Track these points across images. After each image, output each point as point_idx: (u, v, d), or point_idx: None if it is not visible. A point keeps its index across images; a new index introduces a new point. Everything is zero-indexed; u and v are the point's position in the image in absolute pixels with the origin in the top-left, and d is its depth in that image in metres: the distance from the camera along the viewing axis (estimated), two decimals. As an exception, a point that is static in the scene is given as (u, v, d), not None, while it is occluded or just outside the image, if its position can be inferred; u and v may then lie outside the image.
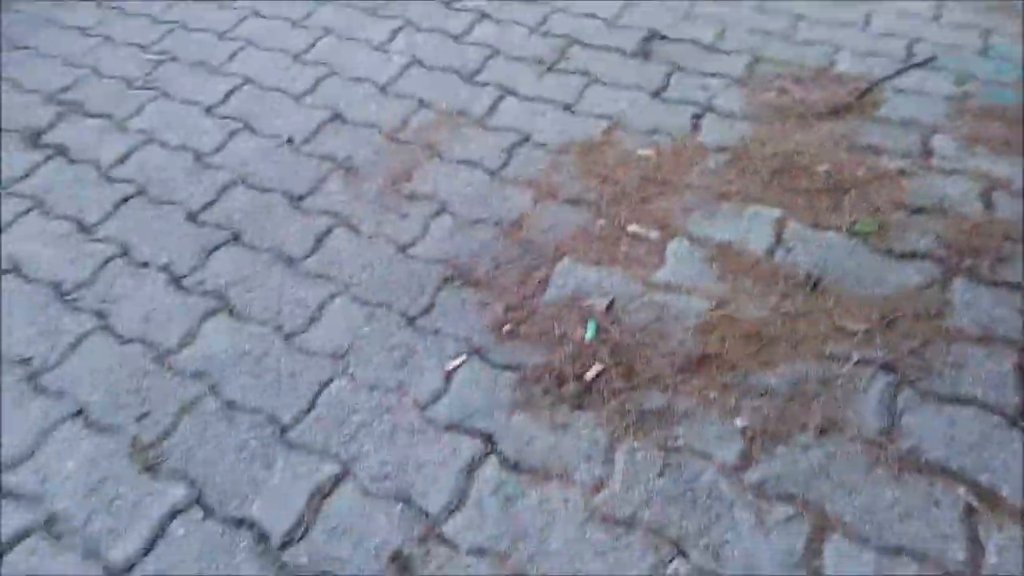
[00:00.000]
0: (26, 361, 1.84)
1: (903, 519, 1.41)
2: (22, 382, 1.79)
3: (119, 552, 1.45)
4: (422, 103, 2.63)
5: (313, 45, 2.99)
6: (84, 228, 2.22)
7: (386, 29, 3.05)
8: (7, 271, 2.10)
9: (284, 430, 1.65)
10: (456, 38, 2.96)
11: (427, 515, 1.49)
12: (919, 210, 2.01)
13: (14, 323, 1.95)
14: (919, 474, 1.47)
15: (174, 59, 2.99)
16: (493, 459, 1.57)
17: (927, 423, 1.55)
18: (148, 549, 1.45)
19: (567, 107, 2.55)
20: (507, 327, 1.84)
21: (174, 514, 1.51)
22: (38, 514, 1.52)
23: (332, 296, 1.96)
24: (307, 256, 2.09)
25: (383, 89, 2.71)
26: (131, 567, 1.43)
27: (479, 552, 1.43)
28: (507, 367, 1.75)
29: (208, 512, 1.51)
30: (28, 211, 2.30)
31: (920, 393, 1.60)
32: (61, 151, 2.54)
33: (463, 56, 2.85)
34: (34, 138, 2.62)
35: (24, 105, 2.79)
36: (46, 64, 3.03)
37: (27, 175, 2.45)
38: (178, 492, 1.54)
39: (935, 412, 1.56)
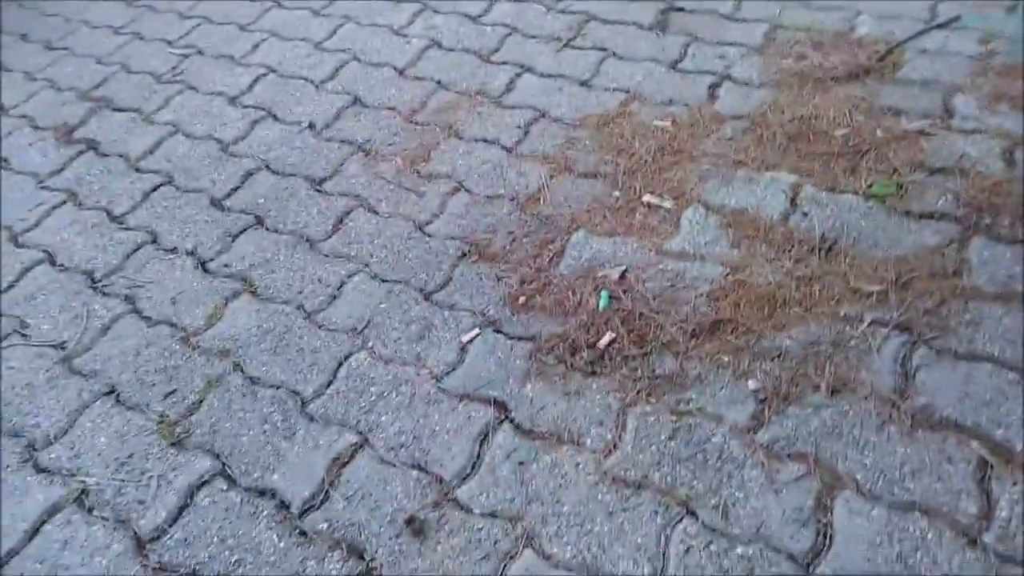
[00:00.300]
0: (60, 345, 1.92)
1: (915, 475, 1.40)
2: (57, 365, 1.87)
3: (148, 522, 1.52)
4: (440, 84, 2.65)
5: (334, 32, 3.04)
6: (114, 217, 2.31)
7: (405, 14, 3.07)
8: (42, 261, 2.19)
9: (305, 403, 1.70)
10: (474, 19, 2.98)
11: (441, 481, 1.52)
12: (938, 170, 1.97)
13: (49, 310, 2.03)
14: (932, 431, 1.46)
15: (200, 52, 3.06)
16: (506, 426, 1.60)
17: (941, 380, 1.53)
18: (175, 518, 1.52)
19: (584, 82, 2.55)
20: (522, 299, 1.86)
21: (200, 485, 1.57)
22: (71, 488, 1.60)
23: (351, 274, 2.00)
24: (328, 237, 2.13)
25: (402, 72, 2.75)
26: (159, 536, 1.49)
27: (492, 515, 1.46)
28: (521, 338, 1.78)
29: (232, 483, 1.56)
30: (62, 203, 2.39)
31: (935, 351, 1.58)
32: (92, 145, 2.63)
33: (481, 37, 2.86)
34: (67, 134, 2.71)
35: (59, 103, 2.89)
36: (79, 63, 3.13)
37: (61, 169, 2.54)
38: (204, 464, 1.60)
39: (950, 369, 1.55)
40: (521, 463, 1.53)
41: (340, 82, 2.75)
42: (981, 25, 2.46)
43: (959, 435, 1.45)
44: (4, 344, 1.95)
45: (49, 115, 2.82)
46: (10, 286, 2.12)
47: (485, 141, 2.37)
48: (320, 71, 2.82)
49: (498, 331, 1.80)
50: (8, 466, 1.66)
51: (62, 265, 2.17)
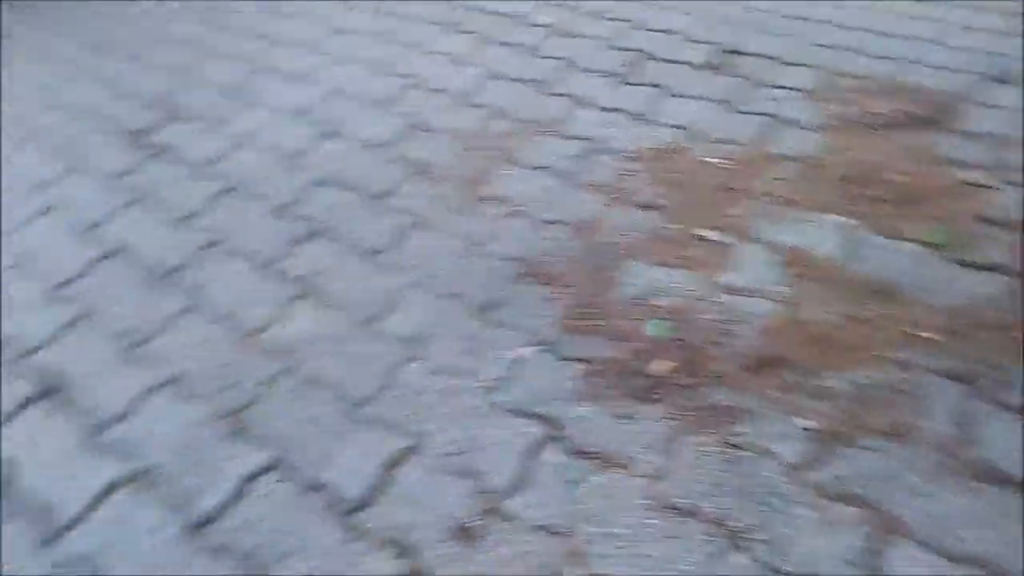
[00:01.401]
0: (126, 334, 1.98)
1: (970, 526, 1.39)
2: (122, 352, 1.93)
3: (202, 507, 1.55)
4: (498, 112, 2.72)
5: (396, 58, 3.14)
6: (182, 219, 2.38)
7: (464, 44, 3.17)
8: (114, 254, 2.27)
9: (358, 406, 1.74)
10: (531, 51, 3.07)
11: (491, 492, 1.54)
12: (994, 222, 1.98)
13: (117, 301, 2.10)
14: (989, 483, 1.45)
15: (268, 70, 3.17)
16: (557, 444, 1.62)
17: (999, 434, 1.52)
18: (229, 506, 1.55)
19: (639, 117, 2.60)
20: (575, 322, 1.89)
21: (255, 475, 1.60)
22: (129, 469, 1.64)
23: (408, 287, 2.05)
24: (386, 250, 2.19)
25: (461, 99, 2.83)
26: (212, 520, 1.52)
27: (541, 529, 1.47)
28: (573, 359, 1.80)
29: (286, 475, 1.60)
30: (132, 203, 2.48)
31: (992, 403, 1.58)
32: (162, 150, 2.73)
33: (538, 69, 2.95)
34: (138, 138, 2.82)
35: (131, 109, 3.01)
36: (153, 72, 3.26)
37: (131, 171, 2.64)
38: (259, 456, 1.64)
39: (1007, 423, 1.54)
40: (570, 481, 1.55)
41: (401, 105, 2.83)
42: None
43: (1016, 490, 1.44)
44: (77, 326, 2.02)
45: (121, 119, 2.94)
46: (80, 275, 2.20)
47: (542, 169, 2.43)
48: (383, 93, 2.91)
49: (551, 351, 1.83)
50: (72, 443, 1.71)
51: (131, 261, 2.24)
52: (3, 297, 2.17)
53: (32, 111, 3.09)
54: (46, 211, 2.50)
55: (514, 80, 2.89)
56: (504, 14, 3.41)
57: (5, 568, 1.48)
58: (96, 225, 2.41)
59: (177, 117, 2.92)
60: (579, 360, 1.80)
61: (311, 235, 2.27)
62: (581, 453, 1.60)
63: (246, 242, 2.26)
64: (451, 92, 2.87)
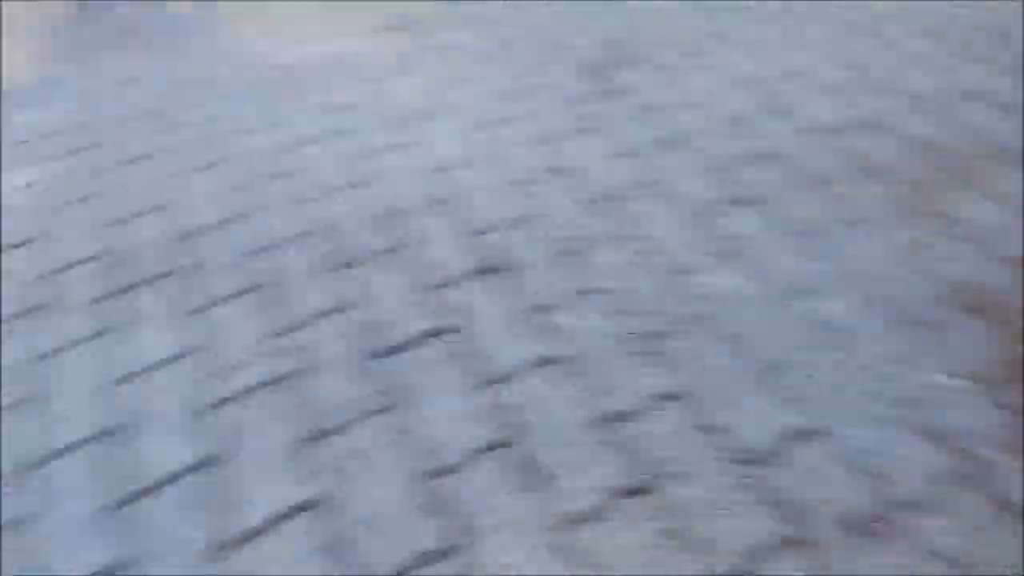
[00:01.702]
0: (565, 240, 2.19)
1: None
2: (559, 255, 2.15)
3: (608, 407, 1.68)
4: (969, 128, 2.51)
5: (856, 49, 3.03)
6: (624, 155, 2.56)
7: (937, 48, 2.96)
8: (558, 168, 2.52)
9: (768, 371, 1.74)
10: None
11: (894, 501, 1.47)
12: None
13: (558, 209, 2.33)
14: None
15: (727, 37, 3.25)
16: (974, 484, 1.50)
17: None
18: (634, 414, 1.66)
19: None
20: (1017, 369, 1.71)
21: (660, 397, 1.70)
22: (555, 352, 1.83)
23: (836, 277, 2.00)
24: (818, 234, 2.15)
25: (925, 104, 2.66)
26: (616, 420, 1.65)
27: (938, 556, 1.38)
28: (1009, 407, 1.64)
29: (688, 407, 1.67)
30: (580, 130, 2.73)
31: None
32: (616, 89, 2.95)
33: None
34: (596, 73, 3.07)
35: (585, 46, 3.29)
36: (614, 18, 3.52)
37: (585, 101, 2.90)
38: (666, 381, 1.72)
39: None
40: (981, 526, 1.42)
41: (855, 97, 2.74)
42: None
43: None
44: (523, 221, 2.29)
45: (576, 56, 3.22)
46: (529, 180, 2.48)
47: (1008, 200, 2.21)
48: (838, 82, 2.83)
49: (983, 390, 1.68)
50: (509, 317, 1.95)
51: (572, 179, 2.47)
52: (460, 185, 2.50)
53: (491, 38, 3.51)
54: (503, 122, 2.84)
55: (990, 97, 2.64)
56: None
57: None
58: (545, 141, 2.68)
59: (634, 62, 3.12)
60: (1013, 410, 1.63)
61: (744, 201, 2.30)
62: (1002, 504, 1.46)
63: (681, 191, 2.37)
64: (914, 96, 2.71)
